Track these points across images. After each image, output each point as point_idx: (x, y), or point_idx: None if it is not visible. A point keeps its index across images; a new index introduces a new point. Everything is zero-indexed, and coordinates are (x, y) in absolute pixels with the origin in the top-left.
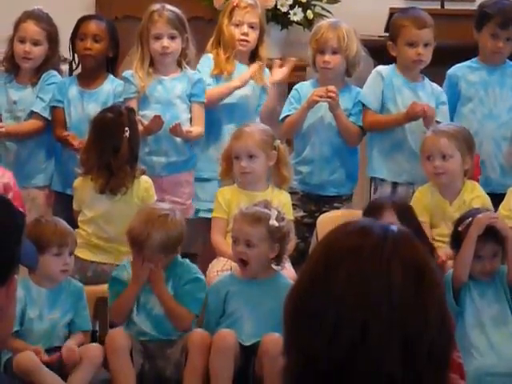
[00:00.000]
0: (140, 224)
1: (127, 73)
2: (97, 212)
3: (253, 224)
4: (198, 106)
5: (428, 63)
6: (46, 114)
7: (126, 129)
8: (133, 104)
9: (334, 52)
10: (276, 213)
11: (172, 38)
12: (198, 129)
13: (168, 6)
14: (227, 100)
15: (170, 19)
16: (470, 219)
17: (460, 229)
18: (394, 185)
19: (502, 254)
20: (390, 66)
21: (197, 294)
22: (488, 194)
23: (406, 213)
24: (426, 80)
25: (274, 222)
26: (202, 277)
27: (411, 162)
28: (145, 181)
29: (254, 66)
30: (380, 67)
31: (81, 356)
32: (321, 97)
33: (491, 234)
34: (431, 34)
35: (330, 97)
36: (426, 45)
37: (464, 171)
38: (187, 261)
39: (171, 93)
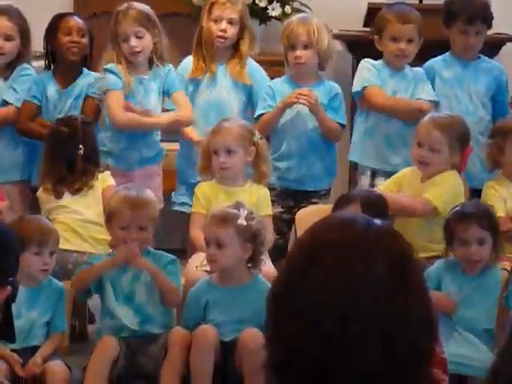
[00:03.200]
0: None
1: (112, 66)
2: (66, 200)
3: (221, 224)
4: (178, 95)
5: (412, 58)
6: (19, 105)
7: (80, 146)
8: (120, 96)
9: (305, 47)
10: (246, 212)
11: (139, 36)
12: (183, 112)
13: (134, 4)
14: (202, 103)
15: (135, 18)
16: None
17: (448, 216)
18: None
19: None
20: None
21: (177, 272)
22: (469, 189)
23: (372, 209)
24: (412, 71)
25: (242, 221)
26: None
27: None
28: (110, 181)
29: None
30: (368, 59)
31: (46, 375)
32: (298, 99)
33: (477, 217)
34: (415, 30)
35: (305, 99)
36: (409, 40)
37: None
38: (156, 250)
39: (150, 96)
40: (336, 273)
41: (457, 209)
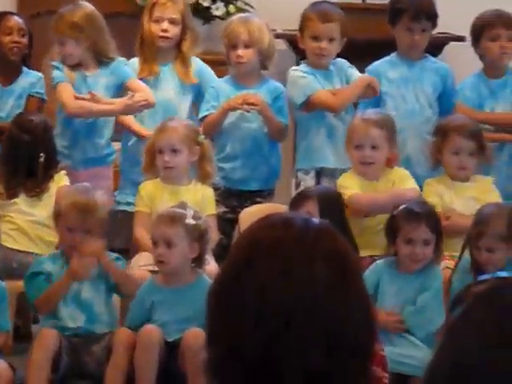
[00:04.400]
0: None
1: (56, 62)
2: (20, 199)
3: (170, 224)
4: (131, 82)
5: (333, 56)
6: None
7: (42, 154)
8: (69, 87)
9: (246, 46)
10: (192, 212)
11: (61, 43)
12: (143, 95)
13: (67, 9)
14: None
15: (57, 26)
16: (404, 206)
17: (394, 212)
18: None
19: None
20: (301, 65)
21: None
22: None
23: (330, 205)
24: (334, 65)
25: (190, 221)
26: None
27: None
28: (64, 181)
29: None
30: (295, 68)
31: None
32: (241, 104)
33: (426, 218)
34: (337, 28)
35: (252, 104)
36: (330, 40)
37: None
38: None
39: (97, 92)
40: (277, 271)
41: (404, 206)
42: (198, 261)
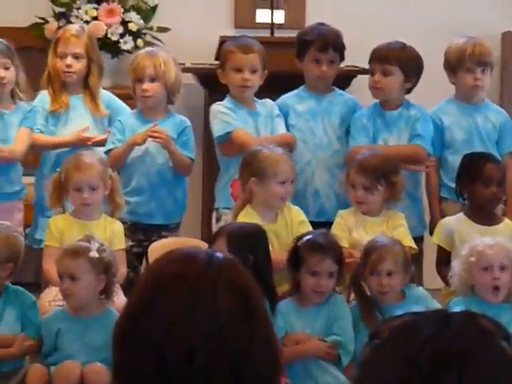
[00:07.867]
0: None
1: None
2: None
3: (73, 257)
4: (23, 129)
5: (256, 88)
6: None
7: None
8: None
9: (152, 80)
10: (97, 245)
11: (6, 67)
12: (14, 147)
13: None
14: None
15: (1, 49)
16: (307, 237)
17: (298, 243)
18: None
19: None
20: (226, 100)
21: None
22: (323, 222)
23: (238, 242)
24: (261, 102)
25: (94, 254)
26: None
27: None
28: None
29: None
30: (219, 103)
31: None
32: (150, 137)
33: (331, 250)
34: (258, 59)
35: (157, 137)
36: (252, 71)
37: None
38: (18, 287)
39: (10, 130)
40: (180, 306)
41: (308, 238)
42: (106, 293)
